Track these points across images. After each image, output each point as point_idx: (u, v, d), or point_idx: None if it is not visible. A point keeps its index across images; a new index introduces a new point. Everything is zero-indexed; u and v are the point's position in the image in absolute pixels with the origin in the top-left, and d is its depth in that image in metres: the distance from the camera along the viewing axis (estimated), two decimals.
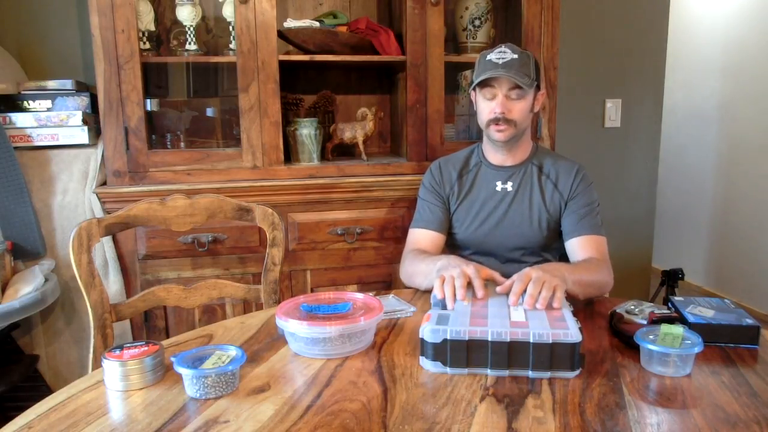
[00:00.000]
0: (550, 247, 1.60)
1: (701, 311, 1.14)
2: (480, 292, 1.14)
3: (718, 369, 1.00)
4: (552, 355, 0.94)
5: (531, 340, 0.95)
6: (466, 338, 0.96)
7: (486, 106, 1.50)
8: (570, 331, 0.95)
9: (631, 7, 2.59)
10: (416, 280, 1.42)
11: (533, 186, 1.56)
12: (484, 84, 1.47)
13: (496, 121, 1.47)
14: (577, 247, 1.48)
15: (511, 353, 0.95)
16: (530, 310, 1.07)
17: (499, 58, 1.46)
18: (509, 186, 1.56)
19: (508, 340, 0.95)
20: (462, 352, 0.97)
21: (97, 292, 1.33)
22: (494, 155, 1.58)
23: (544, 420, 0.83)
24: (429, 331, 0.98)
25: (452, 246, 1.65)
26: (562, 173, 1.56)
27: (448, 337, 0.97)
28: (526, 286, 1.11)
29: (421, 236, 1.57)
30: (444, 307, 1.10)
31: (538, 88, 1.53)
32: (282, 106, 1.90)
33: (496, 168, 1.58)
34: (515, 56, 1.45)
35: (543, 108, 2.04)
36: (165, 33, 2.08)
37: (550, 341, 0.94)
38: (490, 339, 0.96)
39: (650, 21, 2.62)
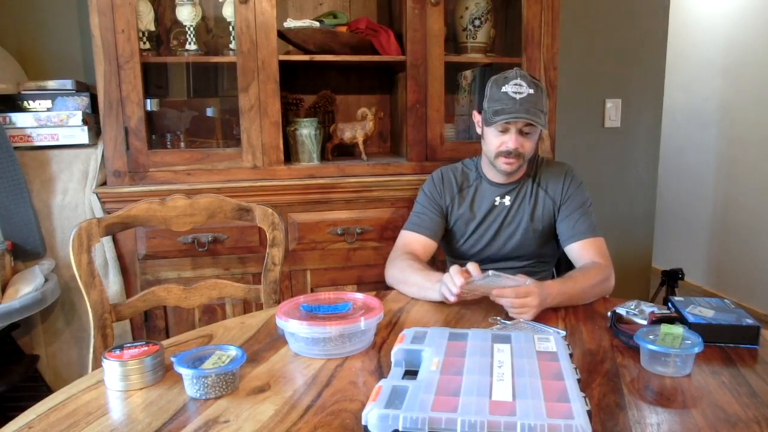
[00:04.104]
0: (545, 254, 1.61)
1: (701, 311, 1.14)
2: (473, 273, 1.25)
3: (718, 369, 1.00)
4: None
5: None
6: (426, 430, 0.71)
7: (497, 139, 1.48)
8: (575, 422, 0.69)
9: (631, 7, 2.59)
10: (406, 289, 1.39)
11: (527, 198, 1.57)
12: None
13: (507, 154, 1.47)
14: (578, 251, 1.48)
15: None
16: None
17: (516, 93, 1.43)
18: (507, 200, 1.57)
19: None
20: None
21: (97, 292, 1.33)
22: (494, 175, 1.57)
23: None
24: (376, 418, 0.72)
25: (451, 257, 1.66)
26: (552, 179, 1.56)
27: (401, 428, 0.71)
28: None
29: (412, 239, 1.55)
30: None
31: None
32: (282, 106, 1.90)
33: (496, 184, 1.58)
34: (531, 91, 1.43)
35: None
36: (165, 33, 2.08)
37: None
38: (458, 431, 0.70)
39: (650, 21, 2.62)
